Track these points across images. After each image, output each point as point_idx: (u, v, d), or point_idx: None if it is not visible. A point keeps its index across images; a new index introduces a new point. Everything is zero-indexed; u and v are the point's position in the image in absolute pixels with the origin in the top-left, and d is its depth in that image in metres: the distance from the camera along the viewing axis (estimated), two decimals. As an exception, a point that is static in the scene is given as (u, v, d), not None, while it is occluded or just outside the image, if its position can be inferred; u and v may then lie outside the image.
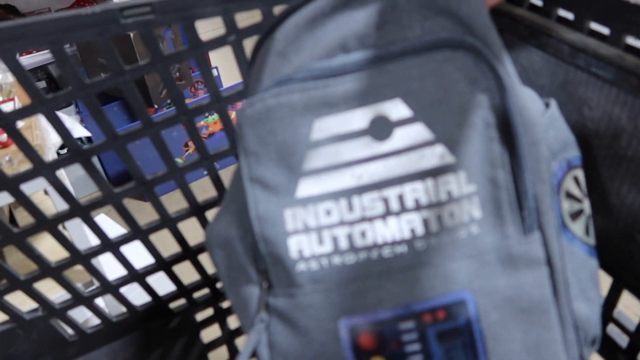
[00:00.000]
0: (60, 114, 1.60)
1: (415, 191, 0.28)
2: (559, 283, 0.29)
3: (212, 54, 1.98)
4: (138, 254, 0.62)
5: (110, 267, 0.79)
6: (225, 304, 0.55)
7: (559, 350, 0.28)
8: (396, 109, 0.28)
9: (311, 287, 0.29)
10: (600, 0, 0.34)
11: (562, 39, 0.36)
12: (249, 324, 0.32)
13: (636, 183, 0.35)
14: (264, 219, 0.30)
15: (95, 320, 0.53)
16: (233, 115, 1.79)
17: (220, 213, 0.34)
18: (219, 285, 0.56)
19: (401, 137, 0.28)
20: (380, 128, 0.28)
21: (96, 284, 0.49)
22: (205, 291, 0.55)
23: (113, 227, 1.18)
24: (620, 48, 0.33)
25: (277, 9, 0.40)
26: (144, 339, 0.53)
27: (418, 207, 0.28)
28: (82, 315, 0.91)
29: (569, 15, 0.37)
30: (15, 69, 0.35)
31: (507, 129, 0.28)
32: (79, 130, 1.02)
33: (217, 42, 0.39)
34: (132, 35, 1.33)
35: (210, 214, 0.46)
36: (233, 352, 0.51)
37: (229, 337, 0.52)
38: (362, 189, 0.29)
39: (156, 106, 1.49)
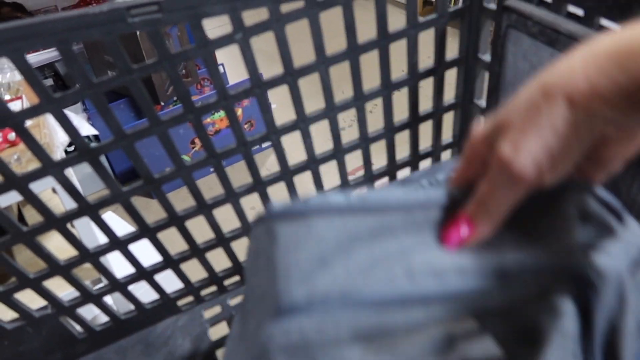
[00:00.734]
0: (68, 112, 1.61)
1: None
2: None
3: (218, 50, 1.98)
4: (146, 252, 0.62)
5: (118, 265, 0.79)
6: (232, 302, 0.55)
7: None
8: (462, 324, 0.23)
9: None
10: (611, -5, 0.34)
11: (572, 36, 0.35)
12: None
13: (647, 181, 0.34)
14: None
15: (104, 318, 0.53)
16: (239, 112, 1.79)
17: None
18: (226, 282, 0.56)
19: (465, 351, 0.23)
20: (440, 341, 0.23)
21: (104, 281, 0.49)
22: (212, 289, 0.55)
23: (121, 225, 1.18)
24: (632, 44, 0.33)
25: (285, 7, 0.39)
26: (153, 336, 0.54)
27: None
28: (90, 312, 0.92)
29: (579, 12, 0.36)
30: (24, 68, 0.35)
31: (587, 340, 0.24)
32: (86, 129, 1.03)
33: (224, 40, 0.39)
34: (138, 33, 1.33)
35: (217, 212, 0.46)
36: (241, 349, 0.51)
37: (236, 335, 0.52)
38: None
39: (162, 103, 1.49)
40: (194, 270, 0.53)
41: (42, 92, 0.36)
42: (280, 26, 0.40)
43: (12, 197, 0.72)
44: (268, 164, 1.84)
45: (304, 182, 0.54)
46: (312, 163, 0.50)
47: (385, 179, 0.56)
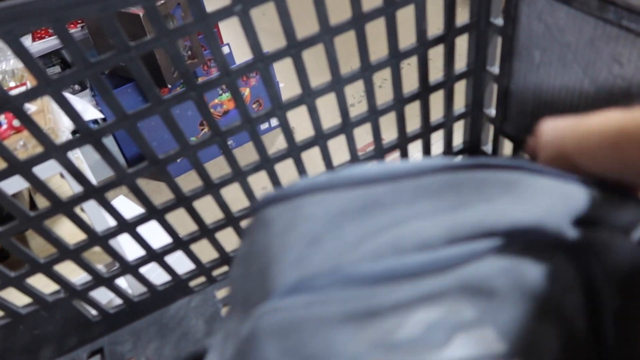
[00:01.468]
0: (72, 96, 1.61)
1: None
2: None
3: (224, 31, 1.95)
4: (157, 234, 0.62)
5: (131, 248, 0.79)
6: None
7: None
8: (458, 308, 0.22)
9: None
10: (632, -55, 0.31)
11: (590, -9, 0.33)
12: None
13: (672, 143, 0.33)
14: None
15: (118, 301, 0.53)
16: (247, 92, 1.77)
17: None
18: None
19: (463, 345, 0.22)
20: (435, 333, 0.22)
21: (117, 265, 0.49)
22: (224, 269, 0.55)
23: (133, 208, 1.19)
24: (655, -3, 0.31)
25: (284, -25, 0.38)
26: (166, 318, 0.54)
27: None
28: (105, 296, 0.93)
29: (597, -35, 0.34)
30: (19, 50, 0.34)
31: (594, 314, 0.24)
32: (92, 113, 1.02)
33: (223, 13, 0.38)
34: (142, 15, 1.31)
35: (225, 191, 0.45)
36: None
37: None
38: None
39: (170, 86, 1.48)
40: (206, 251, 0.53)
41: (39, 74, 0.35)
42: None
43: (21, 184, 0.72)
44: (278, 144, 1.83)
45: (312, 159, 0.53)
46: (320, 138, 0.48)
47: (397, 153, 0.55)
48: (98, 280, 0.48)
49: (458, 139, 0.57)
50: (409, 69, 0.50)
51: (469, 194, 0.24)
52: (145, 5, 0.35)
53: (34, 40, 1.59)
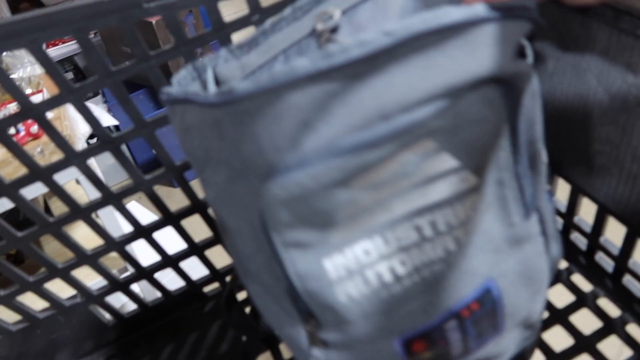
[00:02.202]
0: (88, 103, 1.62)
1: (445, 216, 0.29)
2: (549, 242, 0.33)
3: (237, 37, 1.97)
4: (171, 240, 0.62)
5: (144, 254, 0.80)
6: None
7: (543, 287, 0.34)
8: (424, 145, 0.27)
9: (363, 321, 0.30)
10: (647, -44, 0.32)
11: (605, 2, 0.34)
12: (303, 357, 0.33)
13: (687, 152, 0.33)
14: (304, 276, 0.29)
15: (132, 306, 0.54)
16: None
17: (242, 270, 0.34)
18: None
19: (427, 167, 0.28)
20: (409, 166, 0.27)
21: (131, 270, 0.50)
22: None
23: (144, 214, 1.20)
24: (670, 7, 0.31)
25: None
26: (180, 323, 0.54)
27: (450, 229, 0.29)
28: (119, 301, 0.94)
29: (612, -25, 0.34)
30: (42, 59, 0.35)
31: (513, 136, 0.29)
32: (106, 119, 1.03)
33: (240, 23, 0.38)
34: (154, 22, 1.33)
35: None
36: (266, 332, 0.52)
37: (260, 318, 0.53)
38: (394, 222, 0.29)
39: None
40: (219, 257, 0.53)
41: (61, 82, 0.36)
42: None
43: (38, 190, 0.73)
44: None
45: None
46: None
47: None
48: (114, 285, 0.49)
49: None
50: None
51: (431, 54, 0.25)
52: (165, 16, 0.36)
53: (47, 47, 1.61)
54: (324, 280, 0.29)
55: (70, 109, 0.90)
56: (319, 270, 0.29)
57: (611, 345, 0.43)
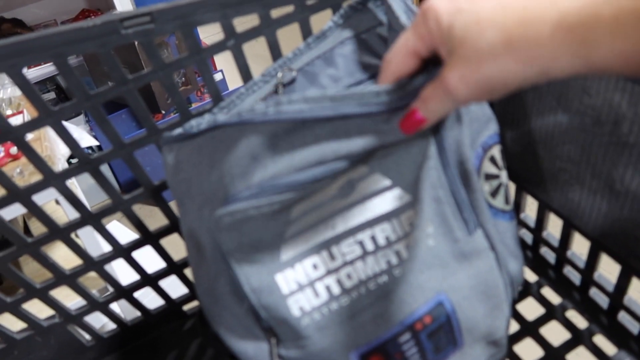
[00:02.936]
0: (69, 124, 1.62)
1: (384, 231, 0.31)
2: (501, 260, 0.35)
3: (217, 57, 1.99)
4: (151, 259, 0.63)
5: (124, 273, 0.80)
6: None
7: (504, 304, 0.35)
8: (357, 169, 0.31)
9: (318, 335, 0.32)
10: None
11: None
12: None
13: (639, 169, 0.35)
14: (259, 290, 0.31)
15: (111, 326, 0.54)
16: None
17: (205, 292, 0.36)
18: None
19: (362, 188, 0.31)
20: (345, 189, 0.31)
21: (110, 289, 0.50)
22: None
23: (126, 233, 1.19)
24: (617, 35, 0.33)
25: (275, 12, 0.40)
26: (159, 342, 0.54)
27: (389, 244, 0.31)
28: (98, 321, 0.93)
29: None
30: (21, 83, 0.36)
31: (442, 157, 0.31)
32: (87, 140, 1.03)
33: (216, 48, 0.40)
34: (137, 43, 1.34)
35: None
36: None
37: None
38: (338, 238, 0.31)
39: (163, 112, 1.50)
40: (198, 275, 0.54)
41: (40, 106, 0.37)
42: (271, 31, 0.40)
43: (17, 210, 0.73)
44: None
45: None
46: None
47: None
48: (93, 305, 0.49)
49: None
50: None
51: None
52: (142, 42, 0.37)
53: (29, 67, 1.61)
54: (277, 294, 0.31)
55: (50, 131, 0.90)
56: (271, 284, 0.31)
57: (579, 356, 0.45)
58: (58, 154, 0.79)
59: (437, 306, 0.32)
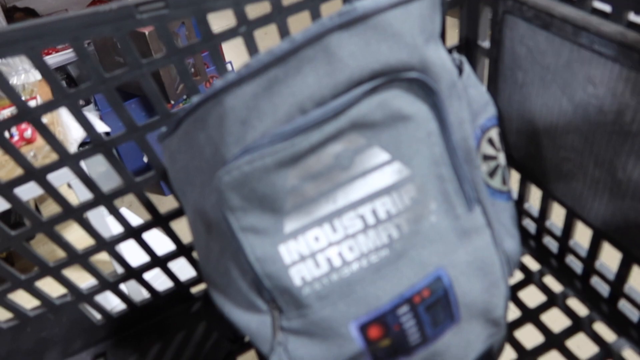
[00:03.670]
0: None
1: (384, 204, 0.32)
2: (497, 238, 0.36)
3: (226, 49, 2.00)
4: (161, 245, 0.64)
5: (134, 258, 0.81)
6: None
7: (500, 281, 0.36)
8: (353, 140, 0.31)
9: (319, 304, 0.33)
10: (602, -22, 0.34)
11: (565, 18, 0.36)
12: (269, 348, 0.35)
13: (641, 158, 0.35)
14: (262, 260, 0.32)
15: (122, 307, 0.55)
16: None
17: (211, 266, 0.37)
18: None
19: (362, 161, 0.32)
20: (343, 159, 0.32)
21: (120, 271, 0.51)
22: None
23: (135, 220, 1.21)
24: (623, 24, 0.34)
25: (286, 0, 0.41)
26: (167, 323, 0.56)
27: (390, 217, 0.32)
28: (108, 303, 0.94)
29: (572, -5, 0.37)
30: (40, 65, 0.37)
31: (444, 133, 0.33)
32: (99, 126, 1.05)
33: (229, 34, 0.41)
34: (147, 33, 1.35)
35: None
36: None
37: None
38: (340, 212, 0.32)
39: (172, 102, 1.51)
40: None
41: (57, 87, 0.38)
42: (282, 18, 0.41)
43: (30, 192, 0.75)
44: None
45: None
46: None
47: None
48: (104, 284, 0.51)
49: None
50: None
51: (335, 54, 0.30)
52: (156, 26, 0.38)
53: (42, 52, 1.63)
54: (280, 264, 0.32)
55: (63, 116, 0.92)
56: (275, 254, 0.32)
57: (579, 342, 0.45)
58: (71, 139, 0.80)
59: (435, 280, 0.33)
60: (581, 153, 0.40)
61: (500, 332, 0.39)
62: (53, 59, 1.60)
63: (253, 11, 0.39)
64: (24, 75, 0.92)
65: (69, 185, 0.82)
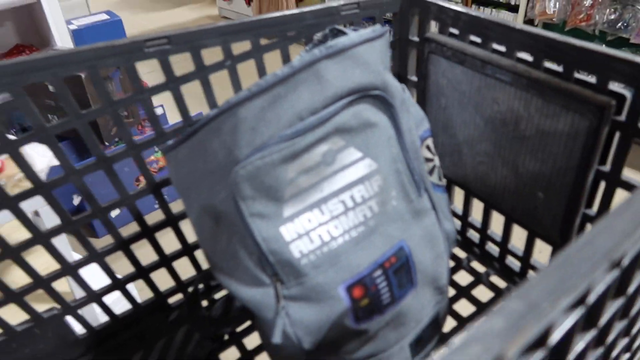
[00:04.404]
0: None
1: (360, 191, 0.42)
2: (440, 219, 0.47)
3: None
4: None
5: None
6: (217, 295, 0.63)
7: (444, 254, 0.47)
8: (335, 142, 0.41)
9: (314, 272, 0.41)
10: (497, 28, 0.48)
11: (475, 56, 0.50)
12: (273, 314, 0.42)
13: (534, 155, 0.49)
14: (267, 239, 0.40)
15: (103, 319, 0.58)
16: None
17: (218, 254, 0.44)
18: (213, 283, 0.63)
19: (341, 159, 0.41)
20: (328, 157, 0.40)
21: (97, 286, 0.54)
22: (200, 286, 0.63)
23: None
24: (514, 59, 0.48)
25: (263, 41, 0.51)
26: (148, 332, 0.60)
27: (364, 201, 0.42)
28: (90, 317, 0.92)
29: (478, 39, 0.51)
30: (61, 90, 0.43)
31: (399, 137, 0.43)
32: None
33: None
34: (83, 76, 1.37)
35: (159, 235, 0.53)
36: (230, 337, 0.59)
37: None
38: (326, 199, 0.41)
39: (107, 143, 1.52)
40: (183, 270, 0.60)
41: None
42: (259, 55, 0.51)
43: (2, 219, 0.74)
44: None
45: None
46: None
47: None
48: (91, 296, 0.54)
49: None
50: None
51: (324, 76, 0.39)
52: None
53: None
54: (282, 241, 0.40)
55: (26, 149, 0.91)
56: (277, 234, 0.40)
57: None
58: (37, 169, 0.81)
59: (399, 250, 0.43)
60: (492, 156, 0.53)
61: (444, 300, 0.50)
62: None
63: (236, 49, 0.48)
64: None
65: (37, 213, 0.83)
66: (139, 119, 1.67)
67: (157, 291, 0.60)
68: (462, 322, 0.55)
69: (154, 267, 0.58)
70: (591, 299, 0.23)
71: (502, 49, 0.49)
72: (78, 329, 0.57)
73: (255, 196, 0.40)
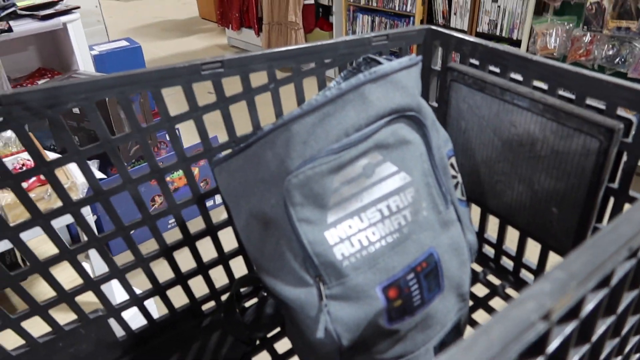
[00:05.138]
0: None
1: (395, 201, 0.46)
2: (465, 230, 0.52)
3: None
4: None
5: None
6: (247, 303, 0.67)
7: (467, 262, 0.51)
8: (374, 156, 0.45)
9: (354, 273, 0.45)
10: (515, 59, 0.54)
11: (494, 83, 0.55)
12: (316, 312, 0.46)
13: (549, 173, 0.53)
14: (313, 242, 0.44)
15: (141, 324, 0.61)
16: (196, 171, 1.90)
17: (265, 257, 0.49)
18: (242, 290, 0.67)
19: (379, 172, 0.45)
20: (368, 170, 0.45)
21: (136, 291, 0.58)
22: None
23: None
24: (530, 87, 0.53)
25: (304, 67, 0.56)
26: (183, 336, 0.63)
27: (399, 210, 0.47)
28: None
29: (497, 69, 0.57)
30: (125, 106, 0.48)
31: (430, 154, 0.48)
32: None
33: (261, 89, 0.55)
34: (107, 100, 1.43)
35: (177, 253, 0.57)
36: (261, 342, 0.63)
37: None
38: (365, 207, 0.45)
39: (125, 164, 1.57)
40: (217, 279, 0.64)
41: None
42: (299, 80, 0.56)
43: (32, 234, 0.77)
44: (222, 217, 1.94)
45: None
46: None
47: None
48: (133, 300, 0.58)
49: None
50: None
51: (368, 98, 0.44)
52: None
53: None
54: (326, 245, 0.44)
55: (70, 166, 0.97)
56: (322, 238, 0.44)
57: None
58: (78, 184, 0.86)
59: (429, 256, 0.47)
60: (509, 175, 0.58)
61: (465, 307, 0.53)
62: None
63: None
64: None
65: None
66: (156, 141, 1.73)
67: (192, 297, 0.63)
68: (481, 330, 0.59)
69: (192, 274, 0.61)
70: (613, 281, 0.28)
71: (519, 77, 0.54)
72: (117, 330, 0.60)
73: (304, 203, 0.44)
